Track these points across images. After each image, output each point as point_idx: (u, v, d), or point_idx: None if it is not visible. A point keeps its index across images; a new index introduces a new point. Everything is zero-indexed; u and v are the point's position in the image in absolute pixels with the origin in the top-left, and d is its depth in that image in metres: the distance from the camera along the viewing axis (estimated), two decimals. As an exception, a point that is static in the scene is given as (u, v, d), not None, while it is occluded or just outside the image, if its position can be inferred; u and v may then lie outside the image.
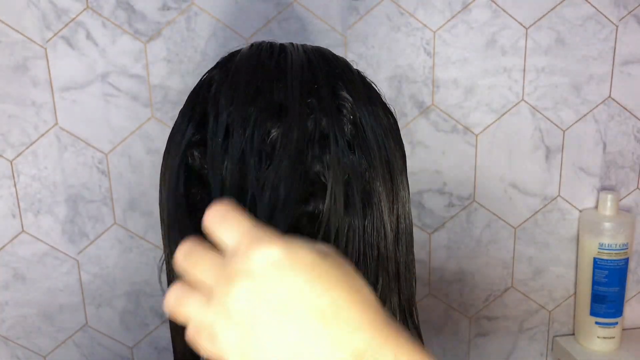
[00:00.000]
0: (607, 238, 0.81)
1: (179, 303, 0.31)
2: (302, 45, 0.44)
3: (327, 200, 0.37)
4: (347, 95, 0.40)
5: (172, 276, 0.43)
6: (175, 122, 0.43)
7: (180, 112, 0.43)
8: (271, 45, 0.44)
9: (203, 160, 0.39)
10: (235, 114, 0.39)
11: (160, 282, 0.42)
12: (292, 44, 0.44)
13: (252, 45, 0.44)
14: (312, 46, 0.45)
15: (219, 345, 0.30)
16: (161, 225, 0.44)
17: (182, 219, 0.39)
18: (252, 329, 0.29)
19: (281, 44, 0.44)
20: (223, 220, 0.31)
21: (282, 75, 0.40)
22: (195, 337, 0.31)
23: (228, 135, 0.38)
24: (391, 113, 0.44)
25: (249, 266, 0.29)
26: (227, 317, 0.29)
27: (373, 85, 0.44)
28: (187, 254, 0.32)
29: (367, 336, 0.29)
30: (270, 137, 0.38)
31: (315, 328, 0.28)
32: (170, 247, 0.42)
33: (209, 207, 0.31)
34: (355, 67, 0.45)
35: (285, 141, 0.37)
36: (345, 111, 0.40)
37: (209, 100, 0.41)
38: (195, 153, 0.40)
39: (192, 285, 0.31)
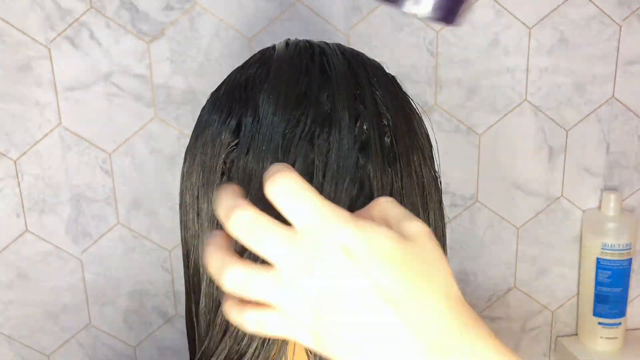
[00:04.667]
0: (610, 238, 0.80)
1: (242, 282, 0.29)
2: (338, 46, 0.42)
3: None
4: (385, 106, 0.39)
5: (192, 275, 0.41)
6: (203, 119, 0.41)
7: (208, 109, 0.41)
8: (310, 45, 0.42)
9: (243, 163, 0.37)
10: (279, 118, 0.37)
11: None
12: (327, 44, 0.42)
13: (287, 43, 0.42)
14: (348, 48, 0.43)
15: (289, 325, 0.29)
16: (180, 225, 0.42)
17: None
18: (326, 311, 0.28)
19: (318, 45, 0.42)
20: (291, 194, 0.28)
21: (328, 80, 0.38)
22: (257, 317, 0.30)
23: (271, 140, 0.36)
24: (422, 128, 0.43)
25: (326, 248, 0.28)
26: (300, 297, 0.29)
27: (402, 88, 0.43)
28: (248, 225, 0.28)
29: (443, 327, 0.28)
30: (318, 144, 0.36)
31: (388, 314, 0.28)
32: (188, 246, 0.41)
33: (269, 172, 0.29)
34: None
35: (338, 155, 0.36)
36: (385, 121, 0.38)
37: (249, 101, 0.38)
38: (232, 157, 0.38)
39: (253, 262, 0.30)
